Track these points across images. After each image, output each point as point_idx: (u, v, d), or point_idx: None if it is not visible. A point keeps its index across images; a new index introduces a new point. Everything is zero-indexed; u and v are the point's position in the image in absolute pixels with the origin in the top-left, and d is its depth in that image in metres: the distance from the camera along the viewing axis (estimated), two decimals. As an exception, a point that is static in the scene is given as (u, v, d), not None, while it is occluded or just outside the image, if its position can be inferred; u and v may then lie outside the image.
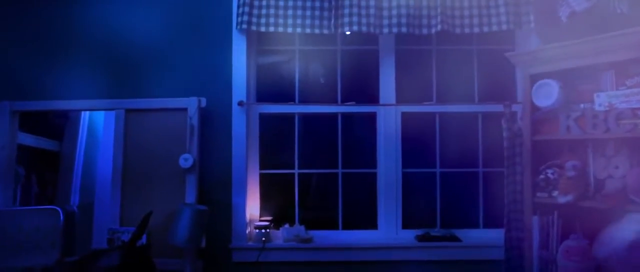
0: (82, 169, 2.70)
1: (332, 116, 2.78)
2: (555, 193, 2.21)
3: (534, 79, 2.31)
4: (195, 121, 2.52)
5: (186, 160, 2.47)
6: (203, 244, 2.48)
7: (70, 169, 2.70)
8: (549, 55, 2.23)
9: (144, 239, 2.45)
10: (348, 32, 2.56)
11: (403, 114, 2.72)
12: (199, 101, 2.54)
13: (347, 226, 2.74)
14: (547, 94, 2.25)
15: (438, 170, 2.78)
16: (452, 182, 2.77)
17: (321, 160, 2.79)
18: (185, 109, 2.54)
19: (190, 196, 2.49)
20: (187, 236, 2.28)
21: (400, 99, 2.71)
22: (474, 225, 2.75)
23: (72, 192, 2.70)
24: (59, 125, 2.73)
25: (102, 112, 2.63)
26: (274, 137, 2.78)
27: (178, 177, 2.50)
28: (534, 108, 2.32)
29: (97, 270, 2.12)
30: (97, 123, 2.69)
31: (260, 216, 2.72)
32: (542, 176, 2.30)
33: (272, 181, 2.76)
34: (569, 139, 2.20)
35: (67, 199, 2.66)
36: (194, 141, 2.51)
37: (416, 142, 2.74)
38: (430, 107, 2.73)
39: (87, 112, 2.68)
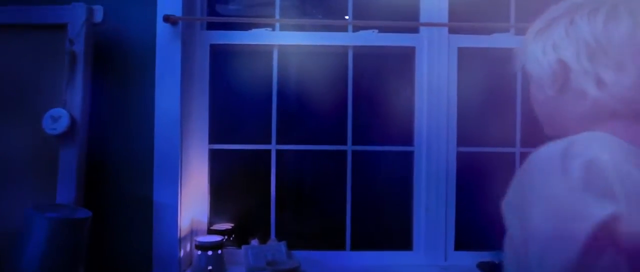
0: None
1: (338, 53, 1.68)
2: None
3: None
4: (80, 48, 1.36)
5: (56, 120, 1.30)
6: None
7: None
8: None
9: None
10: None
11: (460, 50, 1.64)
12: (90, 12, 1.40)
13: (360, 245, 1.68)
14: None
15: (518, 150, 1.69)
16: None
17: (318, 130, 1.73)
18: (63, 26, 1.38)
19: (66, 189, 1.33)
20: (36, 269, 1.11)
21: (456, 21, 1.62)
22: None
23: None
24: None
25: None
26: (236, 87, 1.71)
27: (49, 154, 1.36)
28: None
29: None
30: None
31: (210, 225, 1.66)
32: None
33: (231, 163, 1.70)
34: None
35: None
36: (76, 85, 1.35)
37: (482, 102, 1.69)
38: (505, 38, 1.64)
39: None
